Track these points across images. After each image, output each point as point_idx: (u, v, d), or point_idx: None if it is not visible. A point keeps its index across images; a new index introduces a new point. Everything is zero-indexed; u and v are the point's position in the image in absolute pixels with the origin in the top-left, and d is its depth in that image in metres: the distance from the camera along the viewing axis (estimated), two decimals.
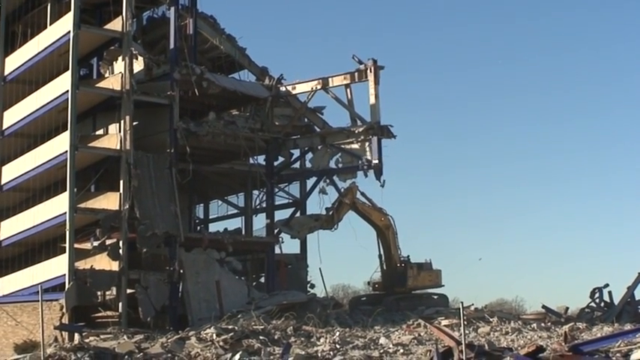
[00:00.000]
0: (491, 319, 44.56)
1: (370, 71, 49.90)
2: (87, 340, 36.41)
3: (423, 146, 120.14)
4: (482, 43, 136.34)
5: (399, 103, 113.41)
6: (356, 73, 50.54)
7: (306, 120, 55.28)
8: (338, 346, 34.68)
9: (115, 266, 43.18)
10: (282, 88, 52.22)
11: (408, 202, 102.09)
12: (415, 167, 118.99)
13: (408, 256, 54.13)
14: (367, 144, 50.34)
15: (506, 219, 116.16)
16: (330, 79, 51.47)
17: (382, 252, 53.94)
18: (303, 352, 32.64)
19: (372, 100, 50.11)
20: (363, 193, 52.35)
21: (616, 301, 50.36)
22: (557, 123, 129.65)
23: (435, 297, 54.09)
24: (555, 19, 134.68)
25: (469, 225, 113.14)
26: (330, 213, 51.25)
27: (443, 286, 54.82)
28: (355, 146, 51.25)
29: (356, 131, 50.72)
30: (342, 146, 51.66)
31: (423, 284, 54.06)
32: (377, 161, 49.63)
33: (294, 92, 52.62)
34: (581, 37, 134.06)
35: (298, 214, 54.50)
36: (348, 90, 51.43)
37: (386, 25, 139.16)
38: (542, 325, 44.31)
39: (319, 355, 32.68)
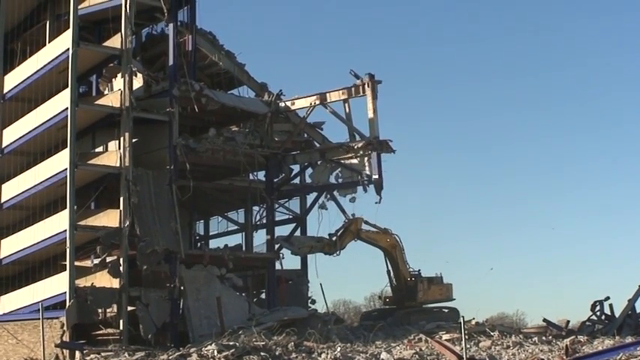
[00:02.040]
0: (492, 333, 44.46)
1: (367, 86, 50.01)
2: (88, 358, 36.52)
3: (421, 159, 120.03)
4: (480, 56, 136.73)
5: (398, 116, 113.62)
6: (353, 88, 50.65)
7: (305, 135, 55.35)
8: None
9: (115, 284, 43.21)
10: (282, 104, 52.30)
11: (406, 216, 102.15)
12: (414, 180, 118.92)
13: (419, 270, 54.28)
14: (367, 159, 50.47)
15: (506, 232, 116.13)
16: (328, 95, 51.58)
17: (391, 269, 54.02)
18: None
19: (371, 115, 50.18)
20: (366, 222, 52.40)
21: (617, 314, 50.39)
22: (557, 136, 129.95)
23: (446, 311, 54.10)
24: (556, 32, 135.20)
25: (469, 239, 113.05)
26: (334, 239, 51.30)
27: (454, 299, 54.93)
28: (355, 161, 51.36)
29: (355, 146, 50.84)
30: (342, 161, 51.79)
31: (433, 298, 54.11)
32: (377, 176, 49.74)
33: (293, 108, 52.67)
34: (581, 49, 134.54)
35: (299, 233, 54.55)
36: (347, 105, 51.55)
37: (384, 38, 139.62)
38: (544, 338, 44.24)
39: None
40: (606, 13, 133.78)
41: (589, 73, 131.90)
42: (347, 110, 51.60)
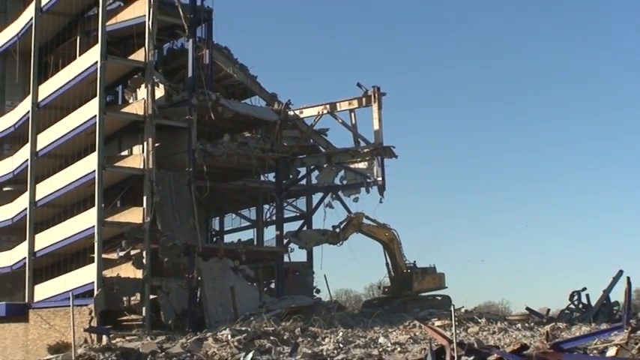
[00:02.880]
0: (479, 320, 44.64)
1: (374, 97, 50.41)
2: (114, 342, 36.69)
3: (423, 167, 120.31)
4: (480, 72, 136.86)
5: (398, 123, 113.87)
6: (364, 99, 51.01)
7: (311, 141, 55.60)
8: (341, 346, 34.98)
9: (139, 274, 43.61)
10: (290, 112, 52.61)
11: (408, 216, 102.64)
12: (416, 185, 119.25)
13: (415, 261, 54.55)
14: (372, 163, 50.84)
15: (495, 232, 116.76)
16: (338, 104, 51.95)
17: (389, 261, 54.31)
18: (310, 351, 32.94)
19: (376, 124, 50.57)
20: (367, 217, 52.76)
21: (593, 303, 50.48)
22: (548, 147, 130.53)
23: (439, 298, 54.32)
24: (554, 53, 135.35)
25: (466, 238, 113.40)
26: (337, 230, 51.65)
27: (446, 287, 55.14)
28: (361, 165, 51.77)
29: (361, 152, 51.23)
30: (348, 165, 52.22)
31: (428, 287, 54.36)
32: (380, 179, 50.09)
33: (301, 116, 53.00)
34: (578, 71, 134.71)
35: (306, 228, 54.87)
36: (353, 114, 51.90)
37: (381, 49, 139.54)
38: (526, 325, 44.37)
39: (324, 353, 32.93)
40: (606, 37, 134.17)
41: (584, 92, 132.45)
42: (353, 119, 51.98)
